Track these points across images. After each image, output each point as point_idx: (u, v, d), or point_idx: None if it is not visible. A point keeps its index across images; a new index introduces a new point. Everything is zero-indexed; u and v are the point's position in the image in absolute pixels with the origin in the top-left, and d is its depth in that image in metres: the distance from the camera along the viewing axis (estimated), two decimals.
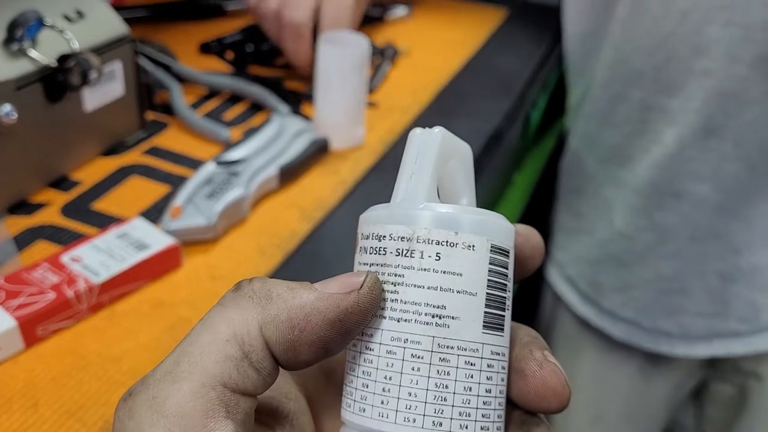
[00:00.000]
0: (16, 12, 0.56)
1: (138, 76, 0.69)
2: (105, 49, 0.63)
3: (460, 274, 0.22)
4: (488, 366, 0.23)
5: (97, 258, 0.51)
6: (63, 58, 0.57)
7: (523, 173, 1.08)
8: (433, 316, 0.22)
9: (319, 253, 0.60)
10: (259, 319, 0.22)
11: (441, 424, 0.21)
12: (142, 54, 0.77)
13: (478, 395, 0.22)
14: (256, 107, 0.79)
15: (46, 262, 0.50)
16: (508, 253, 0.24)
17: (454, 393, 0.22)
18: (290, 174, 0.66)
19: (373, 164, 0.72)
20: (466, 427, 0.22)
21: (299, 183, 0.67)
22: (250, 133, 0.68)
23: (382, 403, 0.22)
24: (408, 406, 0.22)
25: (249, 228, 0.60)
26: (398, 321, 0.22)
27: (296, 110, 0.76)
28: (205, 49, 0.90)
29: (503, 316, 0.24)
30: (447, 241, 0.23)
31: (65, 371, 0.45)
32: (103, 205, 0.61)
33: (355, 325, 0.22)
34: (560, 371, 0.25)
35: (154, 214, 0.60)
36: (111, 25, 0.64)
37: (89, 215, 0.60)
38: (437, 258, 0.22)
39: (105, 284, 0.49)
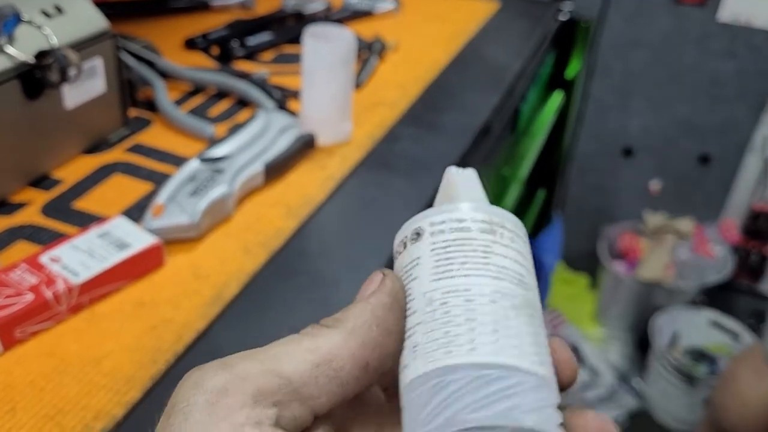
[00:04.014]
0: None
1: (120, 72, 0.67)
2: (85, 45, 0.61)
3: (524, 255, 0.27)
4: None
5: (77, 258, 0.50)
6: (41, 55, 0.56)
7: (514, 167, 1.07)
8: (518, 280, 0.26)
9: (306, 250, 0.59)
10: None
11: (542, 363, 0.25)
12: (124, 50, 0.75)
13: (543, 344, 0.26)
14: (242, 103, 0.78)
15: (25, 262, 0.49)
16: None
17: (539, 338, 0.26)
18: (276, 170, 0.65)
19: (361, 159, 0.71)
20: (545, 364, 0.25)
21: (285, 179, 0.66)
22: (234, 129, 0.67)
23: (495, 341, 0.24)
24: (515, 344, 0.24)
25: (233, 226, 0.59)
26: (495, 278, 0.25)
27: (282, 106, 0.75)
28: (190, 44, 0.88)
29: None
30: (514, 231, 0.27)
31: (44, 374, 0.44)
32: (84, 204, 0.60)
33: (404, 296, 0.26)
34: (565, 344, 0.27)
35: (136, 212, 0.59)
36: (91, 20, 0.63)
37: (70, 214, 0.59)
38: (512, 240, 0.27)
39: (85, 285, 0.48)
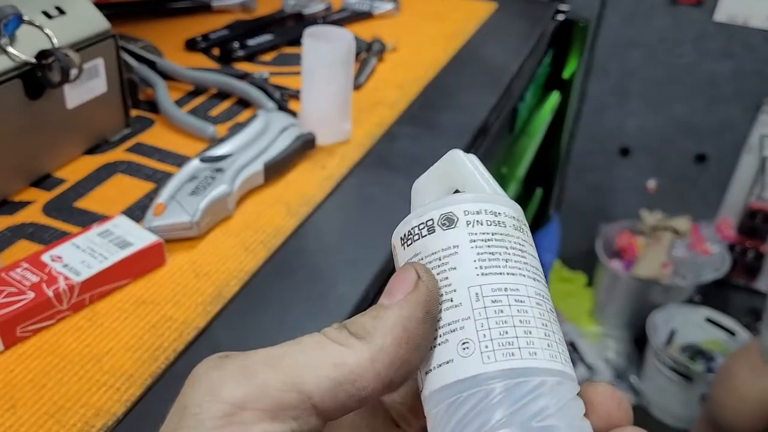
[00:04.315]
0: None
1: (121, 72, 0.68)
2: (86, 46, 0.62)
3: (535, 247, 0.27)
4: None
5: (78, 257, 0.50)
6: (42, 54, 0.56)
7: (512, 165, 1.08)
8: (544, 281, 0.26)
9: (305, 248, 0.59)
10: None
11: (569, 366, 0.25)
12: (125, 50, 0.76)
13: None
14: (243, 103, 0.78)
15: (26, 261, 0.49)
16: None
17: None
18: (276, 170, 0.65)
19: (360, 159, 0.71)
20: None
21: (285, 179, 0.67)
22: (235, 129, 0.68)
23: (548, 345, 0.24)
24: (561, 350, 0.25)
25: (234, 224, 0.60)
26: (533, 279, 0.25)
27: (282, 106, 0.75)
28: (191, 45, 0.89)
29: None
30: (528, 228, 0.28)
31: (45, 372, 0.45)
32: (86, 203, 0.61)
33: (438, 304, 0.25)
34: None
35: (138, 211, 0.59)
36: (92, 21, 0.64)
37: (72, 213, 0.59)
38: (531, 239, 0.27)
39: (86, 283, 0.49)
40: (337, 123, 0.72)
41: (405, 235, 0.27)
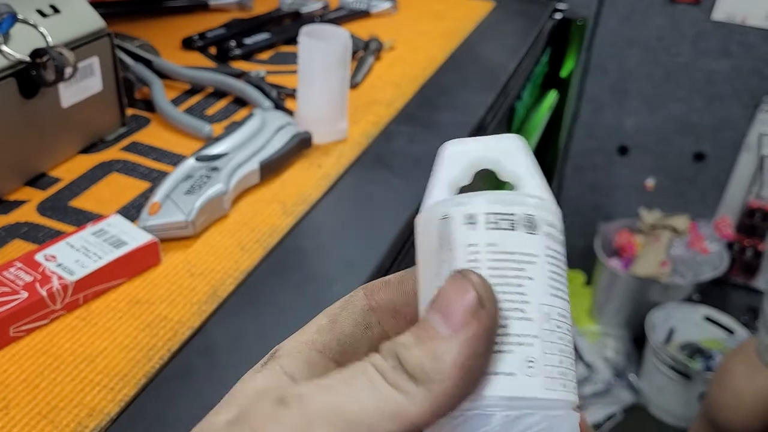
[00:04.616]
0: None
1: (117, 71, 0.67)
2: (81, 44, 0.62)
3: None
4: None
5: (73, 256, 0.50)
6: (36, 53, 0.56)
7: None
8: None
9: (301, 247, 0.59)
10: None
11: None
12: (122, 49, 0.76)
13: None
14: (239, 102, 0.78)
15: (20, 261, 0.49)
16: None
17: None
18: (272, 168, 0.65)
19: (356, 158, 0.71)
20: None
21: (281, 178, 0.66)
22: (231, 128, 0.67)
23: (576, 380, 0.24)
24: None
25: (229, 223, 0.60)
26: (565, 300, 0.24)
27: (279, 105, 0.75)
28: (188, 44, 0.89)
29: None
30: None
31: (38, 372, 0.44)
32: (81, 202, 0.60)
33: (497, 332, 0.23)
34: None
35: (133, 211, 0.59)
36: (87, 19, 0.63)
37: (67, 213, 0.59)
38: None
39: (80, 282, 0.49)
40: (333, 122, 0.72)
41: (479, 215, 0.24)
